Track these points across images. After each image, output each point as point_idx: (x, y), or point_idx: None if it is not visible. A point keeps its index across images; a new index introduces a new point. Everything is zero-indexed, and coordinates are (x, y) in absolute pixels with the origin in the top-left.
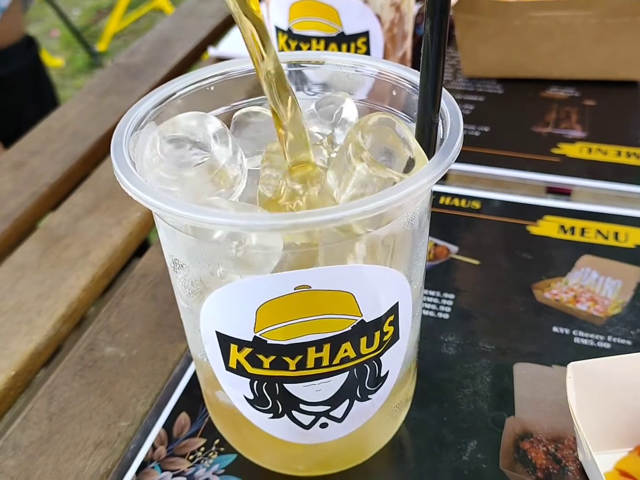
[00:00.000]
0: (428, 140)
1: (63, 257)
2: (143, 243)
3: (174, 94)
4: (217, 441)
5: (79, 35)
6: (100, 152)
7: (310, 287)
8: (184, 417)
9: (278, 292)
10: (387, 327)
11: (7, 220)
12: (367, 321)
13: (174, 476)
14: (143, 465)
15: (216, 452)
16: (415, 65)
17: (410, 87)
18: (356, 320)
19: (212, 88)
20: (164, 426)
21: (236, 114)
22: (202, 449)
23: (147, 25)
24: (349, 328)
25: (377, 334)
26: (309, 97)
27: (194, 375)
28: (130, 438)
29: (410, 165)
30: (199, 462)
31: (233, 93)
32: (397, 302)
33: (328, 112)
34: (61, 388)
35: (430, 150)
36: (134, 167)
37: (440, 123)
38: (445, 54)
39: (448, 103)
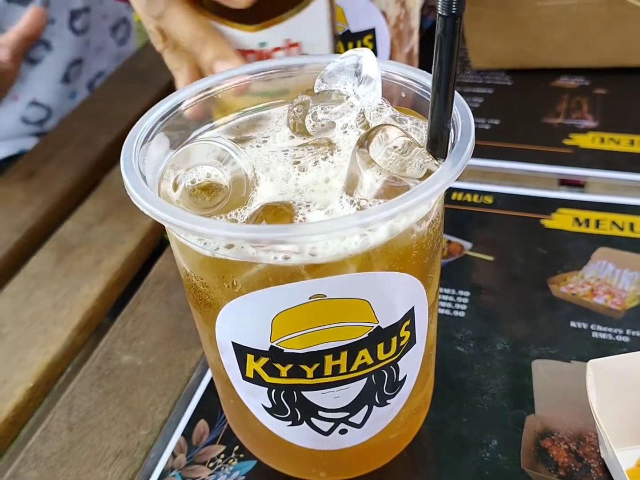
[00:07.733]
0: (440, 145)
1: (76, 266)
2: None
3: (182, 103)
4: (236, 448)
5: None
6: (109, 158)
7: (325, 296)
8: (202, 424)
9: (293, 302)
10: (403, 332)
11: (20, 230)
12: (383, 327)
13: None
14: (164, 474)
15: (236, 459)
16: (422, 60)
17: (420, 87)
18: (372, 327)
19: (219, 96)
20: (183, 434)
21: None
22: (222, 456)
23: None
24: (366, 335)
25: (394, 339)
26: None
27: (211, 381)
28: (150, 447)
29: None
30: (219, 469)
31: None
32: (413, 307)
33: (349, 67)
34: (80, 398)
35: (443, 154)
36: (144, 181)
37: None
38: (458, 61)
39: (458, 104)
